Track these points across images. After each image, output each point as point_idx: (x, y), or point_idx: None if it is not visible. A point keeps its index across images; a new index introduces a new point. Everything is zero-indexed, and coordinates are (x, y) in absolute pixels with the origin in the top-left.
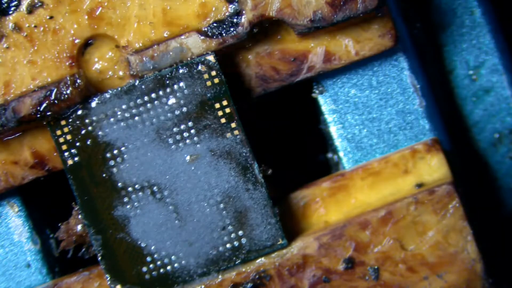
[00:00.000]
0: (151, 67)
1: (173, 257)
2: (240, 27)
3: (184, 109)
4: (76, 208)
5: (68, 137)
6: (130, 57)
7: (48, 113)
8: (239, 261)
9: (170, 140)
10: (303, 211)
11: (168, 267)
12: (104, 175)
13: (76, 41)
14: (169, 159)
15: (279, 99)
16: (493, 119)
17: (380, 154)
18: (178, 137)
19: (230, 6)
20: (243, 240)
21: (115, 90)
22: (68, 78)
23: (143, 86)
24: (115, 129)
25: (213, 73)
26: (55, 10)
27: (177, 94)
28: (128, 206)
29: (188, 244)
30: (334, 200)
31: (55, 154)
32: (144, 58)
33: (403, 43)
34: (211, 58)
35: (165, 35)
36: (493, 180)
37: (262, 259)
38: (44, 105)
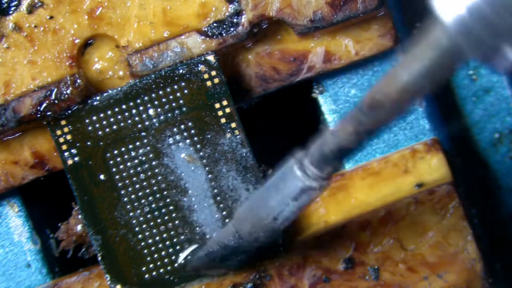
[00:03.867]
0: (151, 67)
1: (173, 257)
2: (240, 27)
3: (184, 109)
4: (76, 208)
5: (68, 137)
6: (130, 57)
7: (48, 113)
8: None
9: (170, 140)
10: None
11: (168, 267)
12: (104, 175)
13: (76, 41)
14: (169, 159)
15: (279, 99)
16: (493, 119)
17: (380, 154)
18: (178, 137)
19: (230, 6)
20: None
21: (115, 90)
22: (68, 78)
23: (143, 86)
24: (115, 129)
25: (213, 73)
26: (55, 10)
27: (177, 94)
28: (128, 206)
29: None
30: (334, 200)
31: (55, 154)
32: (144, 58)
33: (403, 43)
34: (211, 58)
35: (165, 35)
36: (493, 180)
37: None
38: (44, 105)
